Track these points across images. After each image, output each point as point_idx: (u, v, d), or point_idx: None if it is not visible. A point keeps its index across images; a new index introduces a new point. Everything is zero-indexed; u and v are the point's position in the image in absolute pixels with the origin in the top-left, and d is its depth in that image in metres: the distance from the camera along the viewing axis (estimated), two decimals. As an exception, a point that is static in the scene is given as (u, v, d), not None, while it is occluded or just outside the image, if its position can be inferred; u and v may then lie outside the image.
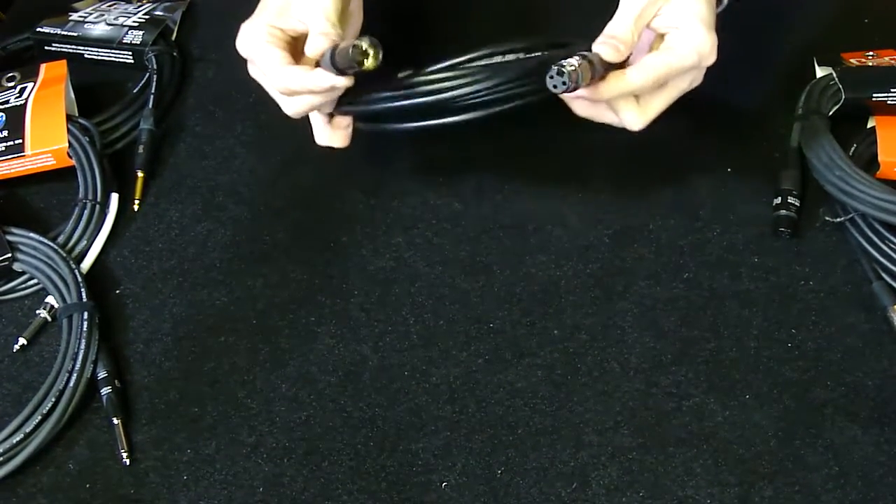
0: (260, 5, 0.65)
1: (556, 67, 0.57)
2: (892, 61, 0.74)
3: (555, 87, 0.57)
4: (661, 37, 0.63)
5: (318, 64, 0.62)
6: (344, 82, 0.60)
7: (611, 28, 0.61)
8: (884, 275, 0.64)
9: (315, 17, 0.62)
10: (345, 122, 0.67)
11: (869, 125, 0.71)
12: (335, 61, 0.59)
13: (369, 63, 0.56)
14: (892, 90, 0.70)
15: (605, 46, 0.60)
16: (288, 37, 0.64)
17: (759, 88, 0.77)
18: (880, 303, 0.63)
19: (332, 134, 0.67)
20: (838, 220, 0.67)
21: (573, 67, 0.57)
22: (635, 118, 0.63)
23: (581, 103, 0.64)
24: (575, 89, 0.58)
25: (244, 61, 0.64)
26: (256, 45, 0.63)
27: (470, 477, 0.57)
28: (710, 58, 0.61)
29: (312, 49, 0.62)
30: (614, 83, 0.60)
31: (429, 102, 0.62)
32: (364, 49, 0.56)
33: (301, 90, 0.62)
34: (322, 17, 0.62)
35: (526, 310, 0.65)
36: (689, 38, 0.60)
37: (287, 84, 0.62)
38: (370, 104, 0.64)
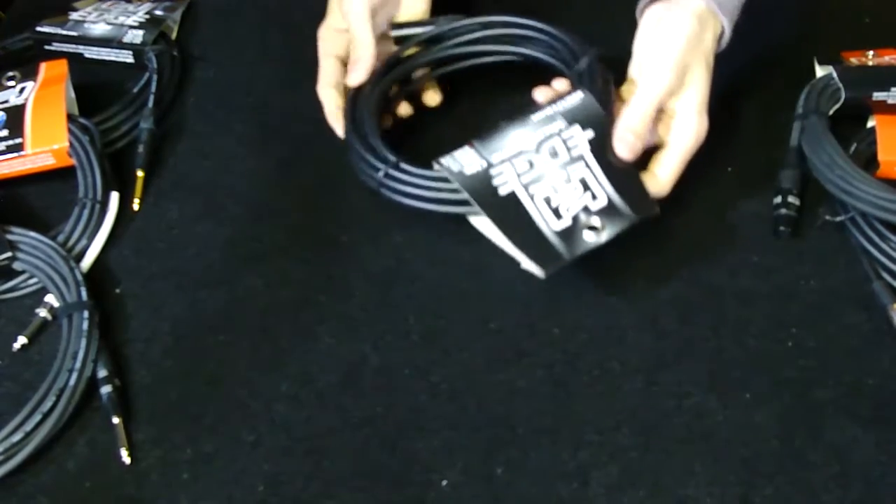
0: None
1: None
2: (893, 61, 0.74)
3: None
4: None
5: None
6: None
7: (627, 120, 0.64)
8: (884, 274, 0.64)
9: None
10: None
11: (869, 125, 0.71)
12: None
13: None
14: (893, 89, 0.70)
15: (621, 144, 0.63)
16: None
17: (759, 88, 0.77)
18: (880, 302, 0.63)
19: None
20: (838, 219, 0.67)
21: None
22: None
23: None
24: None
25: (244, 61, 0.64)
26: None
27: (470, 476, 0.57)
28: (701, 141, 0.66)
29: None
30: (652, 183, 0.65)
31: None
32: None
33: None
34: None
35: (526, 310, 0.65)
36: (692, 127, 0.65)
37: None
38: None
